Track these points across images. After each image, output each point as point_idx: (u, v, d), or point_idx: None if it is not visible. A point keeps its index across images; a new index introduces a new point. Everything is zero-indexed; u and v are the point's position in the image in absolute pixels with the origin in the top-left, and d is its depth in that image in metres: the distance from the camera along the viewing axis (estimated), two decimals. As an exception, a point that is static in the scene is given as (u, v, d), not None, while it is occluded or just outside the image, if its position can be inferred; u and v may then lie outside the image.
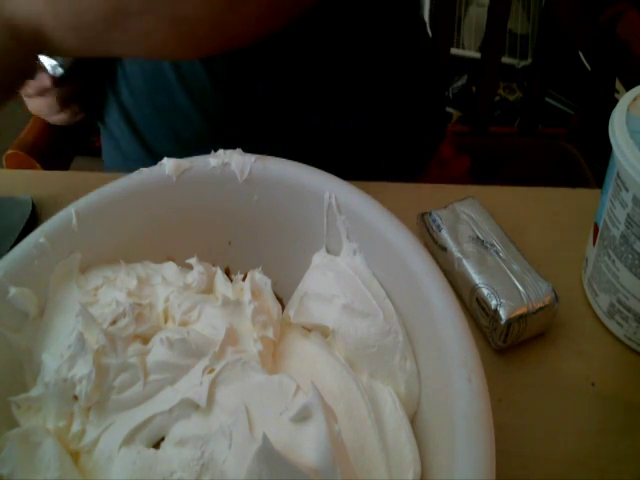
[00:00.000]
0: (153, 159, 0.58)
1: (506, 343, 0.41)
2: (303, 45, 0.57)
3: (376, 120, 0.66)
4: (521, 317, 0.40)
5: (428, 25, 1.44)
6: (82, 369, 0.30)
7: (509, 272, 0.42)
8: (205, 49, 0.42)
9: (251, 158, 0.37)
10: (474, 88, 1.39)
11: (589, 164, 0.94)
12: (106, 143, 0.70)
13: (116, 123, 0.67)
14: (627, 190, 0.37)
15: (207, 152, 0.38)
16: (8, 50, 0.38)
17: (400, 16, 0.66)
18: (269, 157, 0.37)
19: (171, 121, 0.62)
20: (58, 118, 0.62)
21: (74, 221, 0.35)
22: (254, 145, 0.38)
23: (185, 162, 0.37)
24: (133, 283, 0.35)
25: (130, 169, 0.36)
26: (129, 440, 0.30)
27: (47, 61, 0.53)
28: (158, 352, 0.31)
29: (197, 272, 0.36)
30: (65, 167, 0.81)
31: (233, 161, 0.37)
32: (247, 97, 0.60)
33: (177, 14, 0.38)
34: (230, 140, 0.59)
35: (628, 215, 0.37)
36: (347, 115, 0.63)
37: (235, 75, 0.58)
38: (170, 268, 0.37)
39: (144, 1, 0.37)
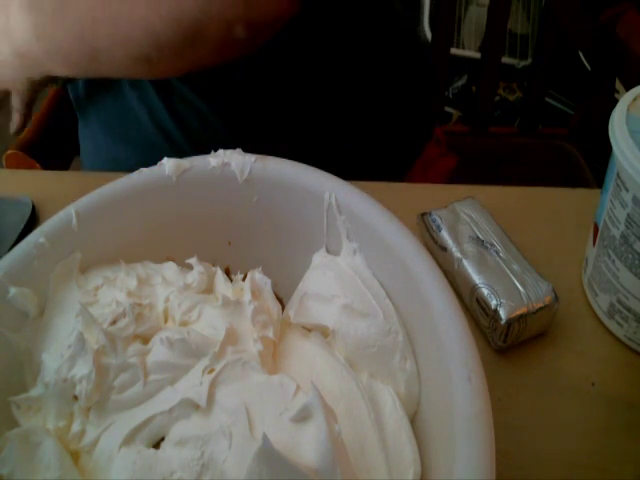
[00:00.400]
0: (106, 159, 0.60)
1: (506, 343, 0.41)
2: (292, 50, 0.57)
3: (370, 119, 0.66)
4: (521, 317, 0.40)
5: (428, 25, 1.45)
6: (82, 369, 0.30)
7: (509, 272, 0.42)
8: (171, 73, 0.51)
9: (251, 158, 0.37)
10: (474, 88, 1.39)
11: (589, 164, 0.94)
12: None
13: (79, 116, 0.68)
14: (627, 190, 0.37)
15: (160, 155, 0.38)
16: (16, 68, 0.51)
17: (390, 20, 0.66)
18: (269, 157, 0.37)
19: (122, 123, 0.63)
20: None
21: (74, 221, 0.35)
22: (246, 147, 0.39)
23: (185, 162, 0.37)
24: (133, 283, 0.35)
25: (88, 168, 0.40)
26: (129, 440, 0.30)
27: None
28: (158, 352, 0.31)
29: (197, 272, 0.36)
30: (65, 167, 0.80)
31: (233, 161, 0.37)
32: (221, 103, 0.60)
33: (140, 54, 0.46)
34: (184, 147, 0.59)
35: (628, 215, 0.37)
36: (343, 114, 0.63)
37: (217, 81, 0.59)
38: (170, 268, 0.37)
39: (111, 42, 0.46)
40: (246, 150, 0.38)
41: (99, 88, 0.62)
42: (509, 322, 0.39)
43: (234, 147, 0.38)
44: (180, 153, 0.39)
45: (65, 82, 0.64)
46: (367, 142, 0.67)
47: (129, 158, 0.62)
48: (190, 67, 0.49)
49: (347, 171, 0.42)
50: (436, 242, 0.45)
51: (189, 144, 0.60)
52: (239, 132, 0.60)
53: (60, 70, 0.50)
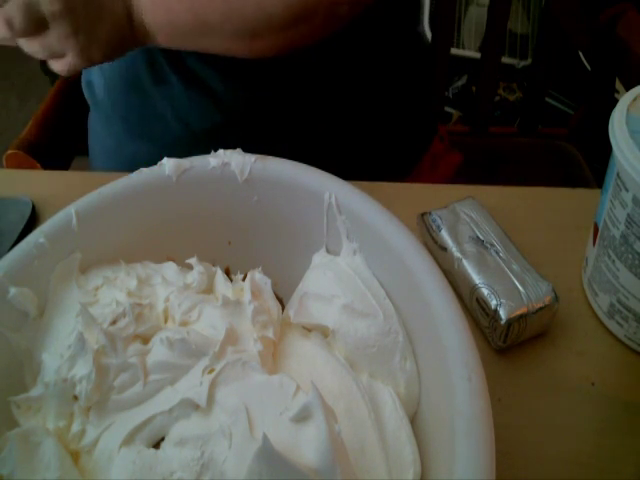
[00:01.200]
0: (124, 156, 0.57)
1: (506, 343, 0.41)
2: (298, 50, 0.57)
3: (372, 118, 0.66)
4: (521, 317, 0.40)
5: (428, 25, 1.45)
6: (82, 369, 0.30)
7: (509, 272, 0.42)
8: (269, 52, 0.52)
9: (251, 158, 0.37)
10: (474, 88, 1.39)
11: (589, 164, 0.94)
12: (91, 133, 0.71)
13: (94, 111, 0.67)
14: (627, 190, 0.37)
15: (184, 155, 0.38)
16: (127, 37, 0.50)
17: (396, 23, 0.66)
18: (269, 157, 0.37)
19: (144, 119, 0.63)
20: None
21: (74, 221, 0.35)
22: (246, 147, 0.39)
23: (185, 162, 0.37)
24: (133, 283, 0.35)
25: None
26: (129, 440, 0.30)
27: None
28: (158, 352, 0.31)
29: (197, 272, 0.36)
30: (65, 167, 0.80)
31: (233, 161, 0.37)
32: (238, 103, 0.60)
33: (249, 31, 0.48)
34: (208, 144, 0.59)
35: (628, 215, 0.37)
36: (345, 113, 0.64)
37: (231, 79, 0.59)
38: (170, 268, 0.37)
39: (222, 18, 0.48)
40: (246, 150, 0.38)
41: (119, 84, 0.62)
42: (509, 322, 0.39)
43: (256, 142, 0.38)
44: (201, 148, 0.39)
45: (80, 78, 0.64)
46: (372, 139, 0.67)
47: (150, 154, 0.62)
48: (290, 46, 0.51)
49: (350, 170, 0.42)
50: (436, 242, 0.45)
51: (210, 140, 0.60)
52: (255, 128, 0.61)
53: (163, 40, 0.51)
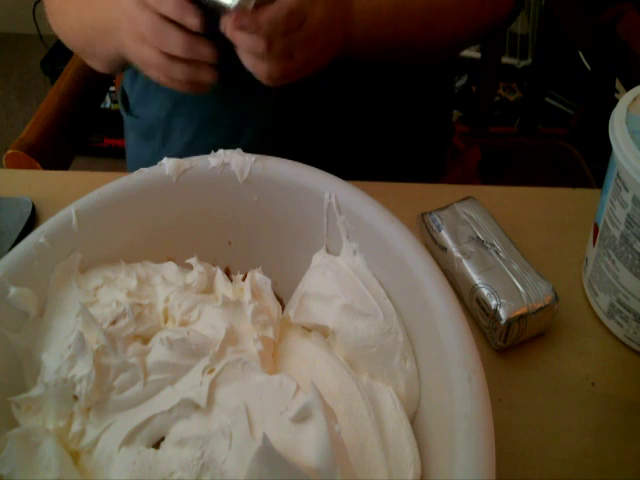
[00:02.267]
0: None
1: (506, 343, 0.41)
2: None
3: (392, 122, 0.66)
4: (521, 317, 0.40)
5: (428, 25, 1.44)
6: (82, 369, 0.30)
7: (509, 272, 0.42)
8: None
9: (251, 158, 0.37)
10: (474, 88, 1.39)
11: (589, 164, 0.94)
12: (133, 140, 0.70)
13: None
14: (627, 190, 0.37)
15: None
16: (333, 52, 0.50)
17: None
18: (269, 157, 0.37)
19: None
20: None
21: (74, 221, 0.35)
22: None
23: (185, 162, 0.37)
24: (133, 283, 0.35)
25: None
26: (129, 440, 0.30)
27: None
28: (158, 352, 0.31)
29: (197, 272, 0.36)
30: (65, 167, 0.80)
31: (233, 161, 0.37)
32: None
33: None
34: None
35: (628, 215, 0.37)
36: (363, 118, 0.63)
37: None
38: (170, 268, 0.37)
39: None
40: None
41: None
42: (509, 322, 0.39)
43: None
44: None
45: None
46: (395, 143, 0.67)
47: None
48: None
49: (351, 171, 0.42)
50: (436, 242, 0.45)
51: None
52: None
53: (370, 54, 0.54)
